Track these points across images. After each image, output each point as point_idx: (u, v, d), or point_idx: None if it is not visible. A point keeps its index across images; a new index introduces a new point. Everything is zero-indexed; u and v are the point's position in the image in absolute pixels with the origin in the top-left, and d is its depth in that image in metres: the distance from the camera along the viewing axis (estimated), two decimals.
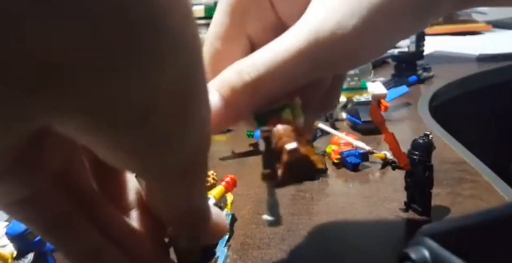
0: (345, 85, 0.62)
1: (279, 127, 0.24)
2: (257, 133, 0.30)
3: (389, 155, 0.42)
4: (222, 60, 0.24)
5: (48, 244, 0.31)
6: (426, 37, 0.84)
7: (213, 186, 0.35)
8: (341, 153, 0.47)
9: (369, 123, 0.54)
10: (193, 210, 0.19)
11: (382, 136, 0.36)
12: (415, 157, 0.35)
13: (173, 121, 0.14)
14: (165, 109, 0.14)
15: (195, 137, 0.16)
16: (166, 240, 0.22)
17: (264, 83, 0.22)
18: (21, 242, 0.29)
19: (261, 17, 0.25)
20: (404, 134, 0.55)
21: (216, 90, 0.22)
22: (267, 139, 0.24)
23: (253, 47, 0.25)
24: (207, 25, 0.75)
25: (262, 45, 0.23)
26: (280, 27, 0.24)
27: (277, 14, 0.25)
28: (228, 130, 0.57)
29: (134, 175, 0.22)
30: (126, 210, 0.22)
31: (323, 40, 0.21)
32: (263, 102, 0.23)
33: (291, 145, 0.23)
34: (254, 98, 0.22)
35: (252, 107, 0.23)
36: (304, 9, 0.23)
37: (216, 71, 0.23)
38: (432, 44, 1.02)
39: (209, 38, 0.25)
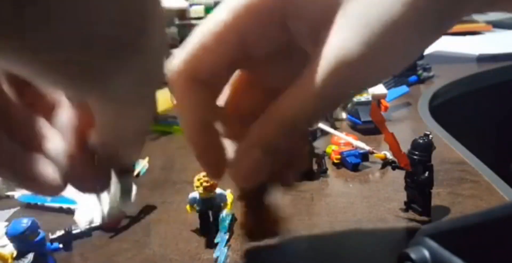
0: None
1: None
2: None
3: (389, 155, 0.42)
4: (205, 55, 0.24)
5: (48, 244, 0.31)
6: None
7: (214, 186, 0.35)
8: (341, 153, 0.47)
9: (369, 123, 0.54)
10: (135, 134, 0.20)
11: (382, 136, 0.36)
12: (415, 157, 0.35)
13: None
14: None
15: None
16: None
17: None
18: (21, 242, 0.29)
19: (269, 29, 0.24)
20: (404, 134, 0.54)
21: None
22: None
23: (244, 49, 0.25)
24: None
25: (256, 51, 0.24)
26: (284, 41, 0.25)
27: (287, 30, 0.24)
28: None
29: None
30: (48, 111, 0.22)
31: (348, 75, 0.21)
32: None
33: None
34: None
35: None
36: (319, 29, 0.22)
37: (194, 61, 0.24)
38: (432, 44, 1.01)
39: (203, 31, 0.24)
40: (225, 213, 0.35)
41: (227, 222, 0.35)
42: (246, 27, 0.24)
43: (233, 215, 0.37)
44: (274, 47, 0.25)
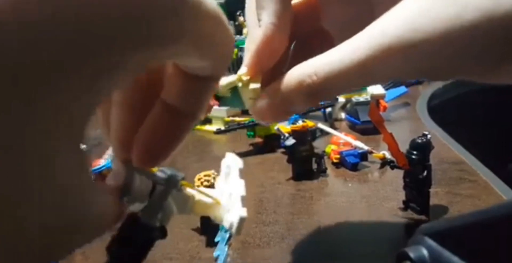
0: None
1: None
2: None
3: (388, 155, 0.43)
4: (271, 45, 0.26)
5: None
6: None
7: (212, 186, 0.35)
8: (340, 153, 0.47)
9: (368, 124, 0.54)
10: None
11: (381, 136, 0.36)
12: (413, 156, 0.35)
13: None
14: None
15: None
16: None
17: (327, 86, 0.22)
18: None
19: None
20: (403, 133, 0.55)
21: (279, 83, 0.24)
22: None
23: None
24: None
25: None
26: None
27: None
28: (228, 130, 0.57)
29: None
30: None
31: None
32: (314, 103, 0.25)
33: None
34: (309, 99, 0.23)
35: (302, 106, 0.24)
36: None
37: (263, 55, 0.26)
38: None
39: (265, 23, 0.25)
40: None
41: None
42: None
43: None
44: None
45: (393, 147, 0.35)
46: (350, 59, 0.21)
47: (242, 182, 0.25)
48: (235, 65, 0.72)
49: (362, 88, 0.62)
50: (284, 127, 0.48)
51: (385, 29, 0.20)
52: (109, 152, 0.44)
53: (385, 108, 0.61)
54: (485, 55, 0.19)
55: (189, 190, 0.23)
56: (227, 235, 0.34)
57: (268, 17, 0.25)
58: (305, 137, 0.45)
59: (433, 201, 0.36)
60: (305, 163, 0.45)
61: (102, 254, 0.34)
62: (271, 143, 0.54)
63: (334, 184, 0.45)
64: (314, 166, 0.45)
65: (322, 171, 0.46)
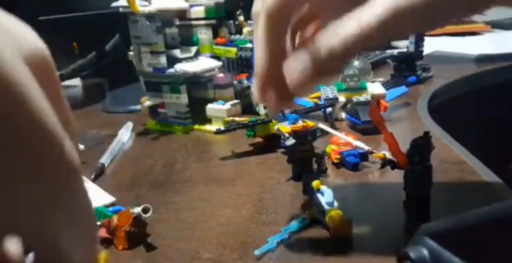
0: (344, 86, 0.63)
1: None
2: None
3: (388, 155, 0.42)
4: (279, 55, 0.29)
5: None
6: (425, 38, 0.84)
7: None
8: (340, 153, 0.47)
9: (369, 123, 0.54)
10: None
11: (381, 136, 0.36)
12: (414, 156, 0.35)
13: None
14: None
15: None
16: None
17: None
18: None
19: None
20: (403, 133, 0.55)
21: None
22: None
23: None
24: (207, 25, 0.75)
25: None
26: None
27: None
28: (228, 130, 0.57)
29: None
30: None
31: None
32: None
33: None
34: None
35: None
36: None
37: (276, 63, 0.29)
38: (431, 45, 1.02)
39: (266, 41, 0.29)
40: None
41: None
42: None
43: None
44: None
45: (393, 147, 0.35)
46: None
47: None
48: (235, 65, 0.72)
49: (362, 88, 0.62)
50: (284, 127, 0.48)
51: None
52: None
53: (385, 108, 0.61)
54: None
55: None
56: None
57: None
58: (305, 137, 0.44)
59: (433, 201, 0.36)
60: (305, 163, 0.45)
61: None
62: (271, 142, 0.54)
63: (334, 184, 0.44)
64: (315, 166, 0.45)
65: (322, 171, 0.46)
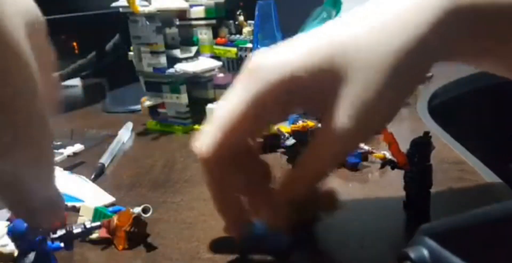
0: None
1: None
2: None
3: (388, 155, 0.42)
4: (232, 136, 0.29)
5: (49, 243, 0.31)
6: None
7: None
8: None
9: None
10: None
11: (381, 136, 0.36)
12: (414, 156, 0.35)
13: None
14: None
15: None
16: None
17: None
18: (22, 241, 0.29)
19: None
20: (403, 133, 0.55)
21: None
22: None
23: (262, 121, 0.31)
24: (207, 25, 0.75)
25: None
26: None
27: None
28: None
29: None
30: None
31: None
32: None
33: None
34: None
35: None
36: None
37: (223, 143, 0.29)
38: None
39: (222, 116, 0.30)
40: None
41: None
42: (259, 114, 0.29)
43: None
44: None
45: (393, 147, 0.35)
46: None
47: None
48: (235, 65, 0.72)
49: None
50: (284, 127, 0.48)
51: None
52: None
53: None
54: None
55: None
56: None
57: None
58: (305, 137, 0.45)
59: (433, 201, 0.36)
60: None
61: (102, 255, 0.34)
62: (271, 142, 0.54)
63: (334, 184, 0.44)
64: None
65: None
